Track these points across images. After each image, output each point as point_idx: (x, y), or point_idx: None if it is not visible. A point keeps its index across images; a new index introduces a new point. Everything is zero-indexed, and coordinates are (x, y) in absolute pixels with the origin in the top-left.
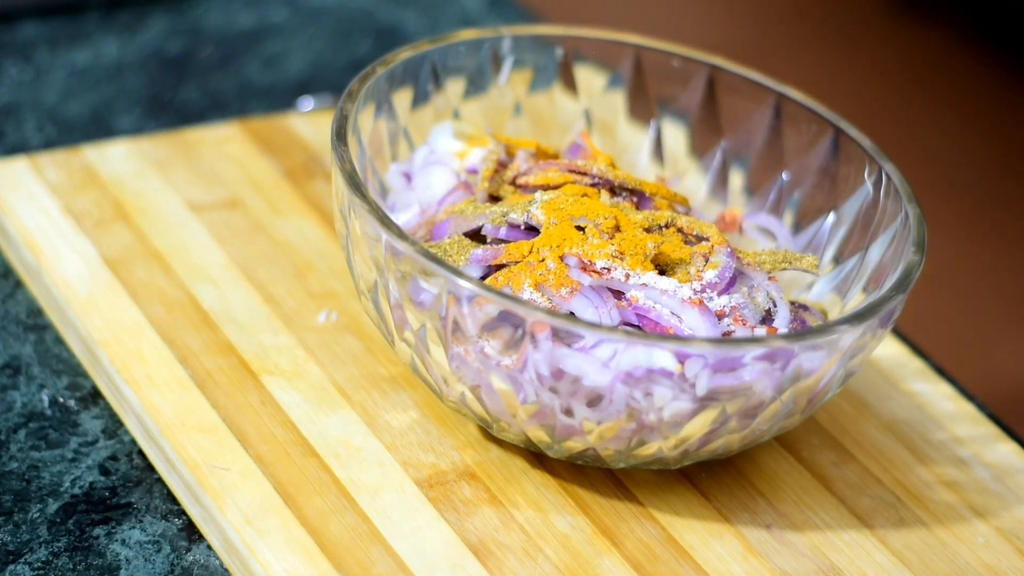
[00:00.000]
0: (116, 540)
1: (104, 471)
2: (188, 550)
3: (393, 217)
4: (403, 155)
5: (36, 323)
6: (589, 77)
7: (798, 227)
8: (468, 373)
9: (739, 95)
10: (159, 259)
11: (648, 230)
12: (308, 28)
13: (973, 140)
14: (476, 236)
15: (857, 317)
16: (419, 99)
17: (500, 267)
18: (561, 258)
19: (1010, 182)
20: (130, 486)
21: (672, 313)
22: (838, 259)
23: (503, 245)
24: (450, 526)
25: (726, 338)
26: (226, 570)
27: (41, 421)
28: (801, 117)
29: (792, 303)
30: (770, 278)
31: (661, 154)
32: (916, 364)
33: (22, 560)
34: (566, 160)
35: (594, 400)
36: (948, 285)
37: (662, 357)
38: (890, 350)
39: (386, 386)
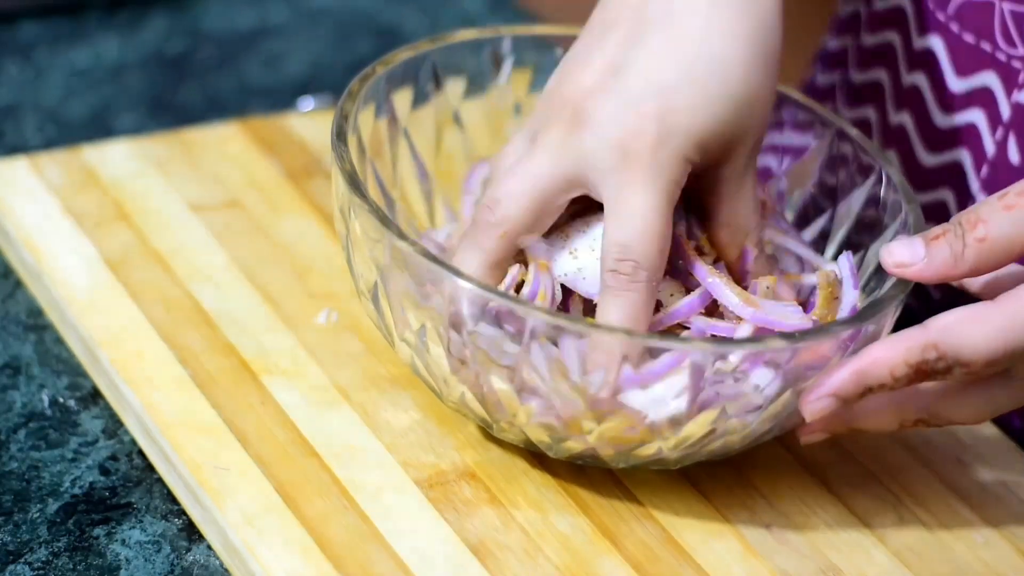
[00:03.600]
0: (116, 540)
1: (104, 471)
2: (188, 550)
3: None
4: (403, 155)
5: (36, 323)
6: None
7: (798, 227)
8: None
9: None
10: (159, 259)
11: None
12: (308, 28)
13: None
14: None
15: (857, 318)
16: (419, 99)
17: None
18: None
19: None
20: (130, 486)
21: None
22: (838, 259)
23: None
24: (450, 526)
25: (726, 338)
26: (226, 570)
27: (41, 421)
28: (800, 117)
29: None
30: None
31: None
32: None
33: (22, 560)
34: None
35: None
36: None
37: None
38: None
39: (386, 386)
